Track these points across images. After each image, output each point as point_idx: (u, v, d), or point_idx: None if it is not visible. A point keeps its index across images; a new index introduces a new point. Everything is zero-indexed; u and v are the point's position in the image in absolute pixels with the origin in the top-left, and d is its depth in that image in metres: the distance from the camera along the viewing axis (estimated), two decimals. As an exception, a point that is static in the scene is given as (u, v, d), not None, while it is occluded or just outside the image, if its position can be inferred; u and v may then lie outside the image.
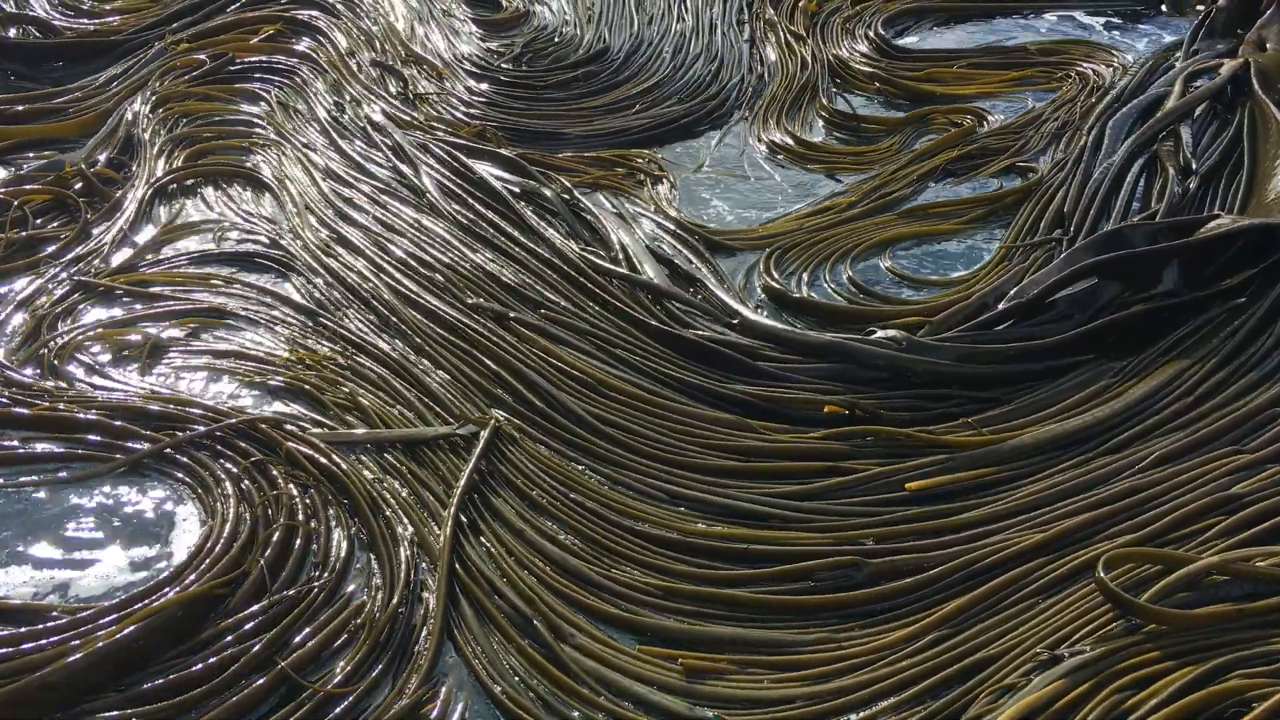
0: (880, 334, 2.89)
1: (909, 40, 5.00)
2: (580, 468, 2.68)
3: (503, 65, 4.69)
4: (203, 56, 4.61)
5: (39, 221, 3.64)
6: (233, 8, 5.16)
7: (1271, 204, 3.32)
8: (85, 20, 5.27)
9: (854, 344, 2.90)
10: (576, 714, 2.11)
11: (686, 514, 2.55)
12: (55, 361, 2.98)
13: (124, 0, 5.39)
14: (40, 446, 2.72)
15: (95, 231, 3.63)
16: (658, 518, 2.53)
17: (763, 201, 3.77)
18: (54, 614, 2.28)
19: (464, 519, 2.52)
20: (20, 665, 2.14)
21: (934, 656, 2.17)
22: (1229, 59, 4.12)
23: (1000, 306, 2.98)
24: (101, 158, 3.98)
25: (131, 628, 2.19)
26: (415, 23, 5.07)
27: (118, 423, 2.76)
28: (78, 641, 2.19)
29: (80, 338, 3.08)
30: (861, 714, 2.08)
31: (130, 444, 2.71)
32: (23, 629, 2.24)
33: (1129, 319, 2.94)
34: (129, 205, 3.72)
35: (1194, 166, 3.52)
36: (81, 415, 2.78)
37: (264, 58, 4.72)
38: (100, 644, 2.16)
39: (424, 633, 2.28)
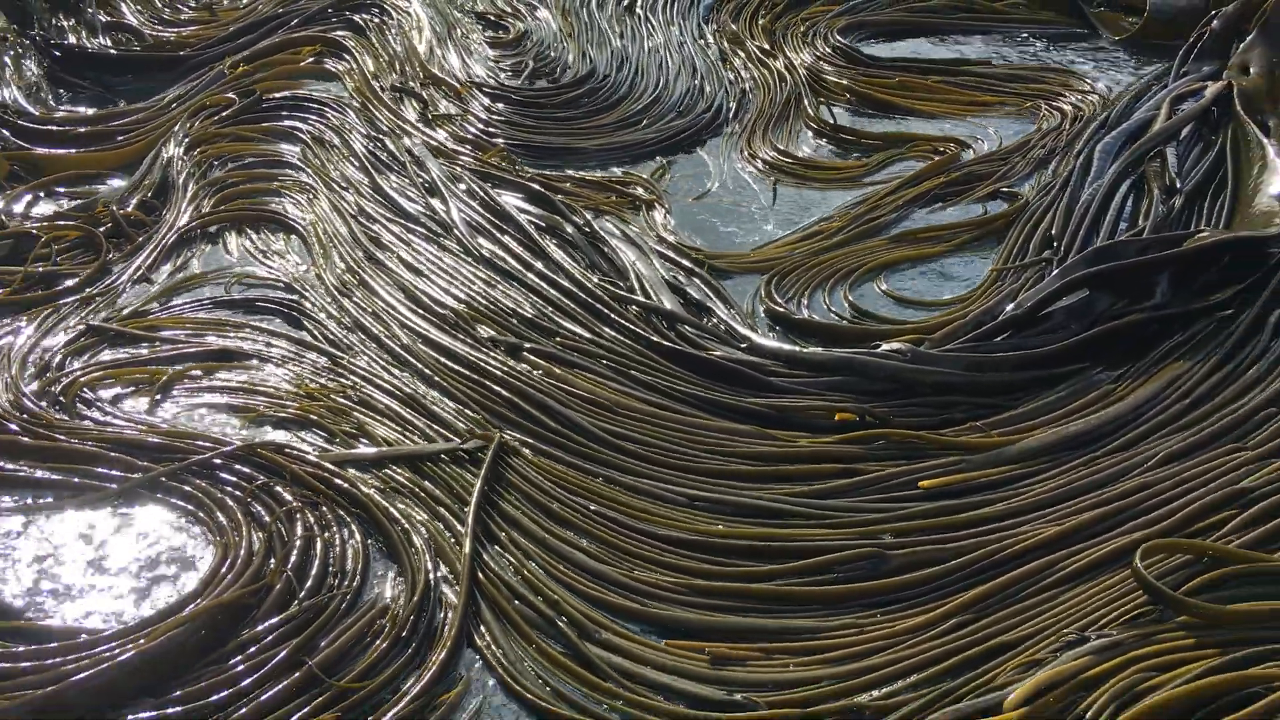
0: (885, 347, 2.99)
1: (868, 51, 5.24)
2: (598, 479, 2.74)
3: (516, 84, 4.91)
4: (233, 96, 4.77)
5: (58, 259, 3.72)
6: (280, 30, 5.46)
7: (1255, 220, 3.46)
8: (163, 29, 5.69)
9: (861, 357, 2.99)
10: (604, 707, 2.15)
11: (705, 516, 2.61)
12: (61, 398, 3.03)
13: (197, 12, 5.82)
14: (53, 475, 2.76)
15: (116, 269, 3.71)
16: (677, 520, 2.59)
17: (754, 222, 3.89)
18: (82, 635, 2.31)
19: (479, 528, 2.57)
20: (54, 676, 2.17)
21: (955, 639, 2.23)
22: (1214, 82, 4.29)
23: (999, 319, 3.08)
24: (132, 201, 4.10)
25: (163, 637, 2.23)
26: (435, 44, 5.24)
27: (114, 454, 2.79)
28: (109, 653, 2.22)
29: (87, 376, 3.12)
30: (884, 689, 2.14)
31: (134, 474, 2.74)
32: (52, 644, 2.28)
33: (1126, 327, 3.05)
34: (152, 248, 3.81)
35: (1178, 186, 3.65)
36: (86, 446, 2.81)
37: (295, 92, 4.88)
38: (133, 653, 2.20)
39: (445, 632, 2.32)
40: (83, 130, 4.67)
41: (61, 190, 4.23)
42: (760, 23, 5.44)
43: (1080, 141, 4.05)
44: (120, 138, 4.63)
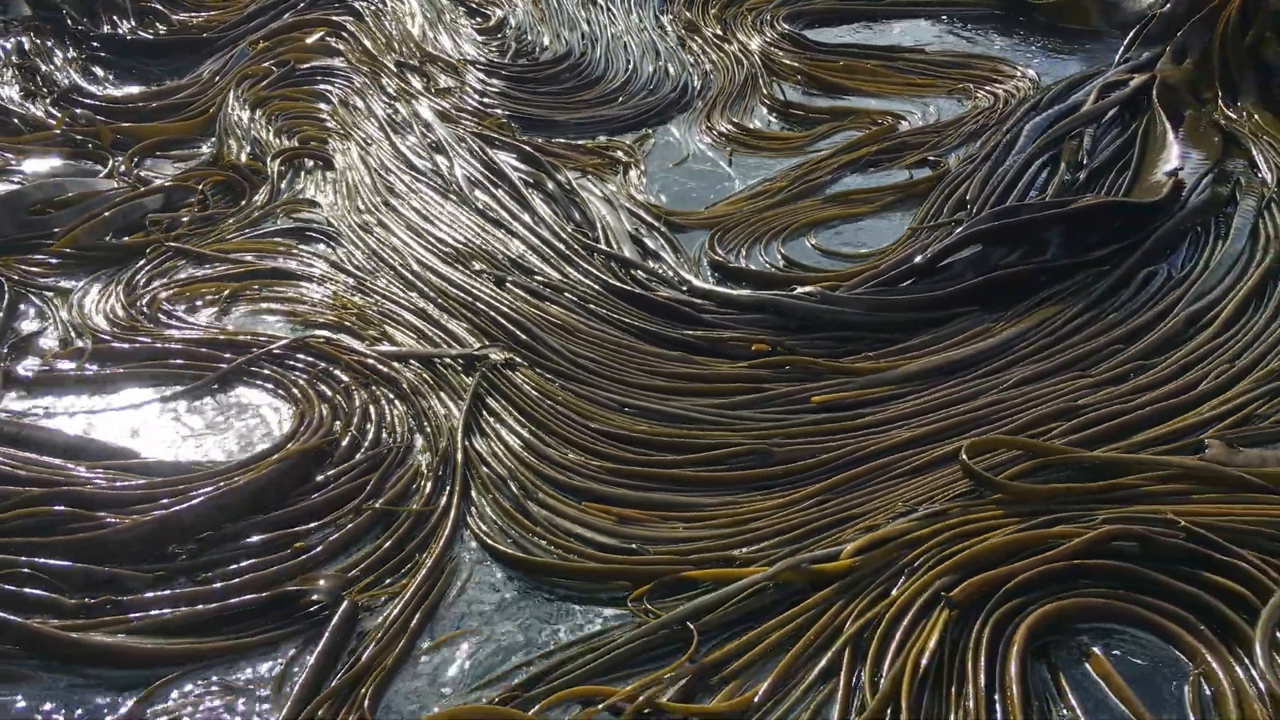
0: (799, 290, 3.52)
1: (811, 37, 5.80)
2: (556, 385, 3.32)
3: (503, 63, 5.56)
4: (270, 64, 5.46)
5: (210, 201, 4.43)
6: (289, 14, 6.14)
7: (1146, 192, 3.94)
8: (185, 15, 6.34)
9: (780, 298, 3.54)
10: (536, 546, 2.74)
11: (633, 419, 3.17)
12: (146, 309, 3.75)
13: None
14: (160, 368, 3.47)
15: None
16: (612, 421, 3.16)
17: (712, 184, 4.47)
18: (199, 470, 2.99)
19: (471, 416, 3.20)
20: (185, 498, 2.83)
21: (813, 513, 2.77)
22: (1143, 72, 4.74)
23: (902, 268, 3.61)
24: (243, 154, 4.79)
25: (265, 470, 2.90)
26: (427, 28, 5.91)
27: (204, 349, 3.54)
28: (226, 481, 2.88)
29: (168, 292, 3.85)
30: (752, 547, 2.68)
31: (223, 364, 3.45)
32: (188, 474, 2.96)
33: (1010, 276, 3.56)
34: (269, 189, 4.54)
35: (1084, 161, 4.14)
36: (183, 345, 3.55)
37: (316, 64, 5.58)
38: (243, 481, 2.86)
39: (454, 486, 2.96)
40: (154, 105, 5.31)
41: (159, 154, 4.86)
42: (711, 11, 6.00)
43: (1010, 120, 4.52)
44: (183, 110, 5.28)
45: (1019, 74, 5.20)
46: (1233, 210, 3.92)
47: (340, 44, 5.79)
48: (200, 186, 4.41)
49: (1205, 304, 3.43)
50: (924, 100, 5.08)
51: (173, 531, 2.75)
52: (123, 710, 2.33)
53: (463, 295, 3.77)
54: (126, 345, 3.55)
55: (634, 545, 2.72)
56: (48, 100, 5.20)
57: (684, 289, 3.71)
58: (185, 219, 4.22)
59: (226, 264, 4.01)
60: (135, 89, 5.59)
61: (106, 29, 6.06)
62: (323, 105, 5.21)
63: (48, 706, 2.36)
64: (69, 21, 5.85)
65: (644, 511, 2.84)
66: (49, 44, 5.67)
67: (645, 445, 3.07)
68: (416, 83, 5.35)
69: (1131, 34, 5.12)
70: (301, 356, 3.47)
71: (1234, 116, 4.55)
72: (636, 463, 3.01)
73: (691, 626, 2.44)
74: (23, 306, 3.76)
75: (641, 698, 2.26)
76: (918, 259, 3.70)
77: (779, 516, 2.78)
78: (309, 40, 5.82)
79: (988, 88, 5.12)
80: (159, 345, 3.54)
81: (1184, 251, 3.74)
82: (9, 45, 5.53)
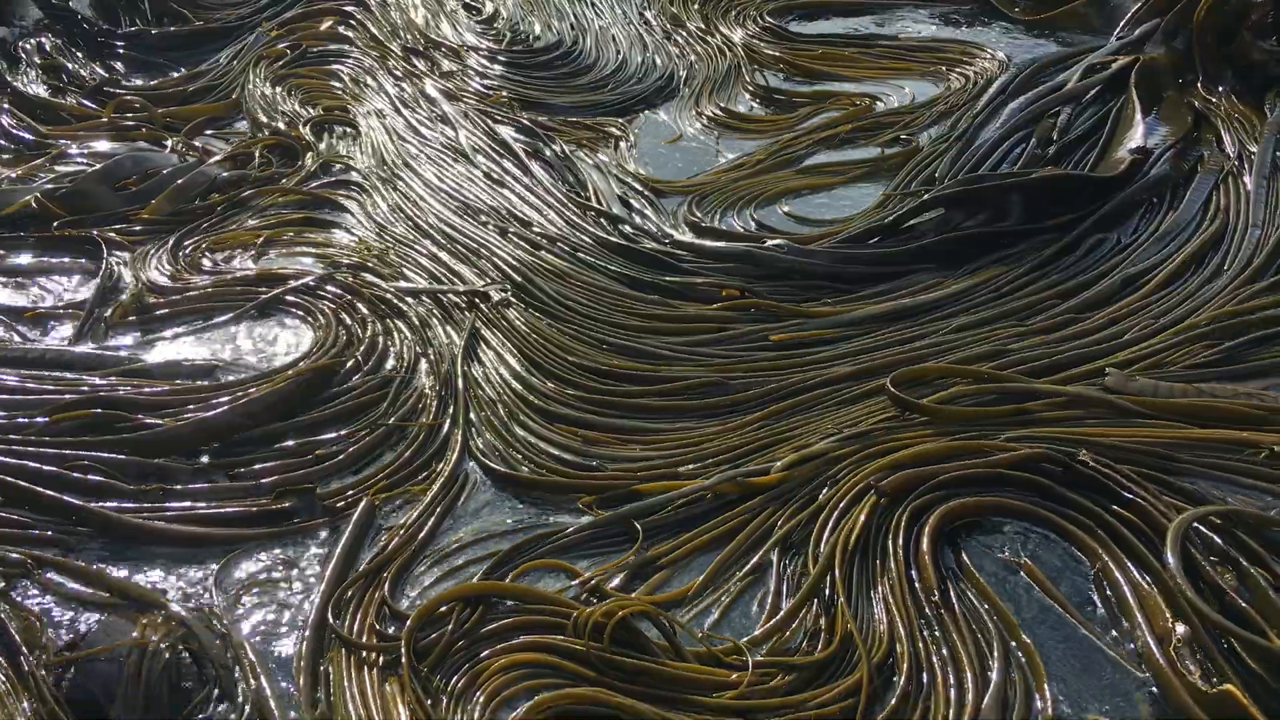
0: (771, 242, 3.85)
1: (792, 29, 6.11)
2: (544, 322, 3.69)
3: (500, 49, 5.93)
4: (285, 46, 5.86)
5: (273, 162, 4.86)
6: (299, 4, 6.52)
7: (1109, 167, 4.20)
8: (202, 11, 6.66)
9: (753, 248, 3.87)
10: (513, 459, 3.11)
11: (610, 354, 3.53)
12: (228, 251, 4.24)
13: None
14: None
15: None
16: (592, 356, 3.52)
17: (699, 160, 4.83)
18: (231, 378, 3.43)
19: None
20: (215, 406, 3.24)
21: (754, 436, 3.11)
22: (1132, 53, 4.96)
23: (869, 227, 3.93)
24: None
25: (284, 383, 3.31)
26: (429, 17, 6.33)
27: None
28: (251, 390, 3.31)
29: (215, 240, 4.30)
30: (698, 464, 3.03)
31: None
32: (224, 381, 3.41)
33: (963, 238, 3.86)
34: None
35: (1054, 138, 4.40)
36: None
37: (328, 47, 5.99)
38: (268, 390, 3.28)
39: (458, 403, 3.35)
40: (191, 88, 5.67)
41: (209, 132, 5.24)
42: (694, 6, 6.32)
43: (983, 99, 4.80)
44: (212, 91, 5.65)
45: (989, 55, 5.48)
46: (1192, 184, 4.17)
47: (349, 31, 6.17)
48: (259, 151, 4.85)
49: (1144, 267, 3.70)
50: (899, 83, 5.37)
51: (206, 433, 3.16)
52: (195, 574, 2.74)
53: (470, 243, 4.15)
54: (201, 286, 3.98)
55: (595, 463, 3.07)
56: (80, 94, 5.53)
57: (666, 241, 4.05)
58: (251, 179, 4.66)
59: (291, 207, 4.49)
60: (158, 79, 5.88)
61: (129, 27, 6.38)
62: (336, 84, 5.59)
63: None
64: (85, 26, 6.15)
65: (608, 434, 3.19)
66: (65, 42, 6.00)
67: (614, 377, 3.43)
68: (422, 65, 5.76)
69: (1129, 14, 5.35)
70: (330, 289, 3.89)
71: (1211, 100, 4.77)
72: (605, 392, 3.36)
73: (637, 525, 2.79)
74: (116, 263, 4.12)
75: (593, 579, 2.63)
76: (886, 220, 4.00)
77: (725, 439, 3.13)
78: (321, 27, 6.20)
79: (959, 70, 5.41)
80: (227, 277, 4.01)
81: (1137, 221, 4.01)
82: (30, 46, 5.84)
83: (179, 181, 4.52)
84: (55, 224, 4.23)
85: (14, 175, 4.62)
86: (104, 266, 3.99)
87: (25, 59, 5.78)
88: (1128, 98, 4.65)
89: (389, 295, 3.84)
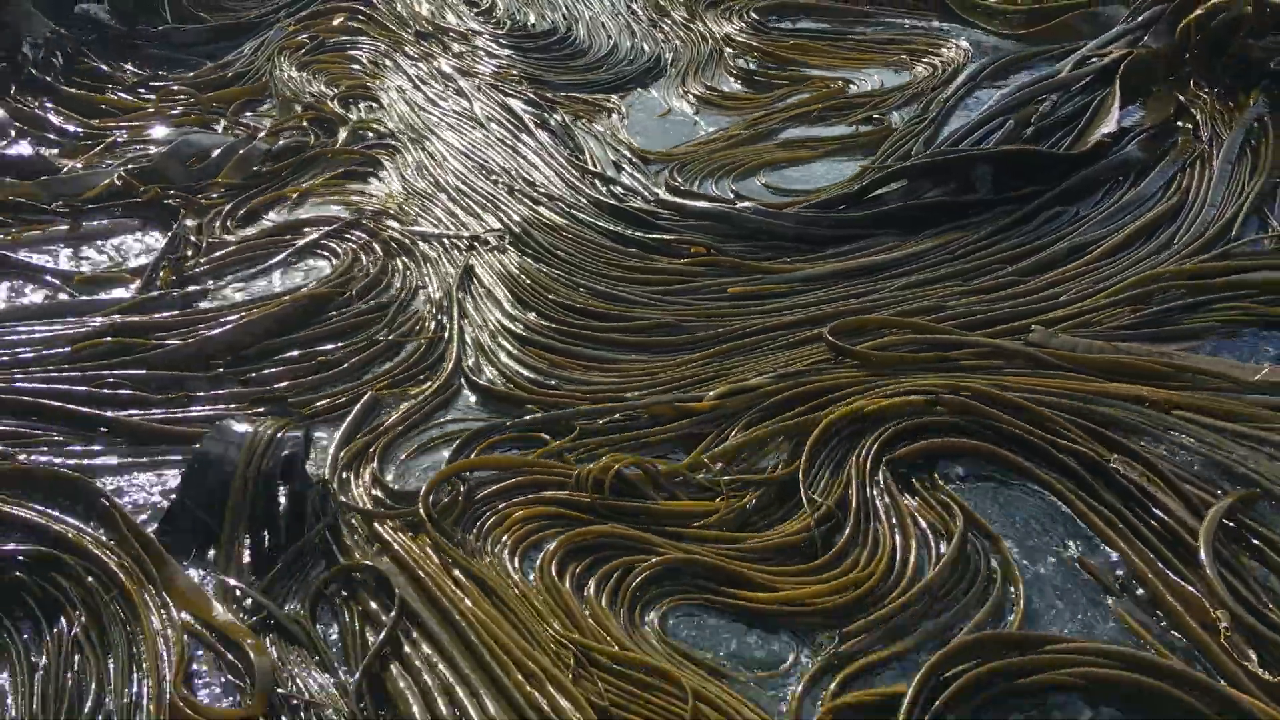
0: (742, 205, 4.17)
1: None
2: (534, 267, 4.06)
3: (502, 34, 6.50)
4: (304, 37, 6.41)
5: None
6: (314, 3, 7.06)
7: (1078, 147, 4.44)
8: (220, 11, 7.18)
9: (729, 210, 4.19)
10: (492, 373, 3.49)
11: (586, 295, 3.88)
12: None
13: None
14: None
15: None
16: (571, 296, 3.87)
17: (684, 132, 5.27)
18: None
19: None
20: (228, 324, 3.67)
21: (699, 371, 3.43)
22: (1130, 44, 5.15)
23: (838, 195, 4.22)
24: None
25: (290, 304, 3.77)
26: (434, 9, 6.95)
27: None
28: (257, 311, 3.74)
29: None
30: (643, 392, 3.36)
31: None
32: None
33: (925, 206, 4.14)
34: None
35: (1032, 121, 4.64)
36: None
37: (344, 38, 6.54)
38: (275, 310, 3.72)
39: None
40: (229, 74, 6.14)
41: (247, 114, 5.69)
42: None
43: (952, 86, 5.07)
44: (243, 78, 6.11)
45: (953, 45, 5.87)
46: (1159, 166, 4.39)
47: (361, 24, 6.72)
48: (303, 124, 5.33)
49: (1092, 238, 3.94)
50: (869, 71, 5.81)
51: (212, 348, 3.58)
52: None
53: (479, 198, 4.57)
54: (256, 237, 4.44)
55: (554, 382, 3.43)
56: (121, 89, 5.94)
57: (652, 200, 4.39)
58: (307, 146, 5.15)
59: (334, 165, 4.99)
60: (193, 72, 6.27)
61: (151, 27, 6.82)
62: (355, 66, 6.11)
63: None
64: (113, 28, 6.60)
65: (571, 360, 3.55)
66: (96, 44, 6.44)
67: (587, 315, 3.78)
68: (434, 48, 6.32)
69: (1133, 7, 5.53)
70: (356, 233, 4.35)
71: (1200, 95, 4.94)
72: (577, 326, 3.72)
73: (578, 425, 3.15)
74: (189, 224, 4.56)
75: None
76: (853, 189, 4.30)
77: (673, 372, 3.46)
78: (334, 22, 6.75)
79: (925, 59, 5.81)
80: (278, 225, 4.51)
81: (1100, 196, 4.24)
82: (58, 57, 6.10)
83: (240, 152, 4.98)
84: (141, 190, 4.66)
85: (79, 164, 5.02)
86: (176, 226, 4.44)
87: (57, 65, 6.06)
88: (1111, 89, 4.85)
89: (403, 238, 4.29)
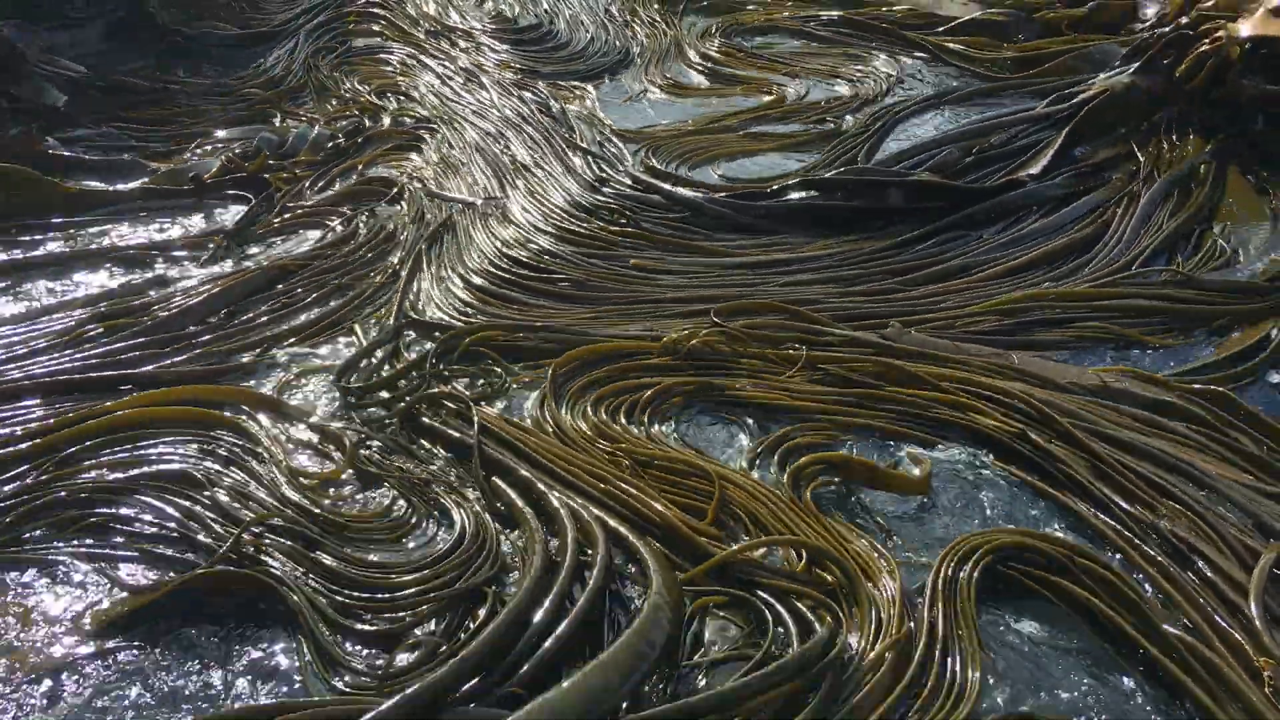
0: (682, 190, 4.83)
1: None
2: (513, 227, 4.78)
3: (497, 30, 7.51)
4: (331, 40, 7.34)
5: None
6: (334, 6, 7.81)
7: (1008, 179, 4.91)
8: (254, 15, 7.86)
9: (672, 190, 4.91)
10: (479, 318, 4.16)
11: (537, 252, 4.55)
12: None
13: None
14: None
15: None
16: (519, 252, 4.55)
17: (648, 114, 6.18)
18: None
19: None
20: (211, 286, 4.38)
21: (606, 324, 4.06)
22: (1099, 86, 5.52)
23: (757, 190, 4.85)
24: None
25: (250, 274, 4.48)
26: (440, 10, 7.98)
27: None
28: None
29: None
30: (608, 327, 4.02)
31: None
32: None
33: (830, 208, 4.78)
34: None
35: (973, 152, 5.10)
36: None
37: (369, 41, 7.46)
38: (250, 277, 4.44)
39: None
40: (277, 73, 6.91)
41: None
42: (654, 6, 7.82)
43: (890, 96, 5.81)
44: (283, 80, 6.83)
45: (882, 70, 6.64)
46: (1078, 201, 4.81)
47: (379, 26, 7.63)
48: (357, 112, 6.23)
49: (986, 259, 4.40)
50: (824, 81, 6.59)
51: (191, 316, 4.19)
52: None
53: (489, 167, 5.43)
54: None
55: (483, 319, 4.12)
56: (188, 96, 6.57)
57: (621, 172, 5.08)
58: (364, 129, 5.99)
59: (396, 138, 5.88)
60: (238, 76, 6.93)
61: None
62: (387, 67, 7.01)
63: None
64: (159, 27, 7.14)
65: (497, 301, 4.22)
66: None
67: (527, 267, 4.45)
68: (444, 46, 7.27)
69: (1125, 53, 5.84)
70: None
71: (1162, 141, 5.26)
72: (511, 274, 4.39)
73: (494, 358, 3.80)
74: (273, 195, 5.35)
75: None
76: (772, 188, 4.89)
77: (586, 324, 4.07)
78: (353, 27, 7.61)
79: (871, 69, 6.67)
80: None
81: (1008, 224, 4.69)
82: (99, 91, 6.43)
83: (311, 136, 5.79)
84: (246, 165, 5.46)
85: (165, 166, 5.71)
86: (263, 195, 5.22)
87: (96, 95, 6.47)
88: (1068, 129, 5.23)
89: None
